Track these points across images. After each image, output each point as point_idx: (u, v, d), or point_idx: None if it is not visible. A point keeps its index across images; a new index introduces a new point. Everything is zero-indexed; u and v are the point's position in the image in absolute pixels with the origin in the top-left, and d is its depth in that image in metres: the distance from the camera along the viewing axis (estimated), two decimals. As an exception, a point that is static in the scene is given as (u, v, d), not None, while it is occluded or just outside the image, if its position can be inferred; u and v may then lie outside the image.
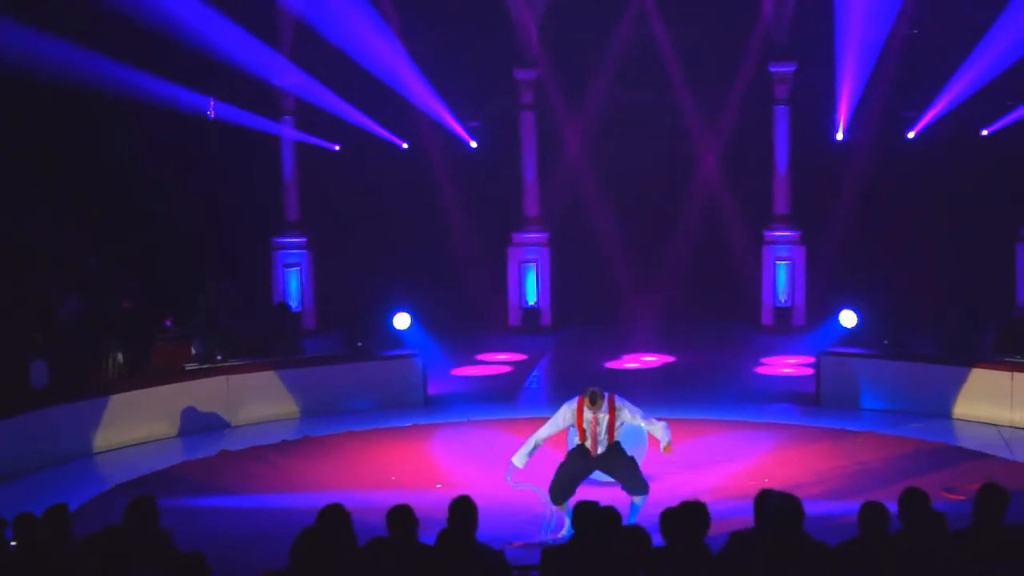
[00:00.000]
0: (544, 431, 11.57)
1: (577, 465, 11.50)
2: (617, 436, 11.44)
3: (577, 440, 11.51)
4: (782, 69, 23.21)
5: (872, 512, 7.21)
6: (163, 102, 20.80)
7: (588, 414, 11.31)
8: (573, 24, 23.64)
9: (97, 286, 18.88)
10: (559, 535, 11.04)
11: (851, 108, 22.45)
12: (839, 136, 22.83)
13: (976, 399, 16.24)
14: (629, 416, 11.43)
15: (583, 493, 10.62)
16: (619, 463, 11.47)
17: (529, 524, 11.66)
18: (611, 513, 7.24)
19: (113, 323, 17.38)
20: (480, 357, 21.62)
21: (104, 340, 16.62)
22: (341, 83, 22.60)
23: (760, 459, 14.28)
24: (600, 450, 11.40)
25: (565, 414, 11.46)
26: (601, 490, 11.97)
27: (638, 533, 7.09)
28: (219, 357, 17.63)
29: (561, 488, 11.42)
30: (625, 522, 10.41)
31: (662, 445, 11.54)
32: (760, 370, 20.09)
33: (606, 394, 11.33)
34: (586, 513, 7.30)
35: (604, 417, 11.30)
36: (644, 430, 11.96)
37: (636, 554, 7.04)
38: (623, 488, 11.50)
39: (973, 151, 22.07)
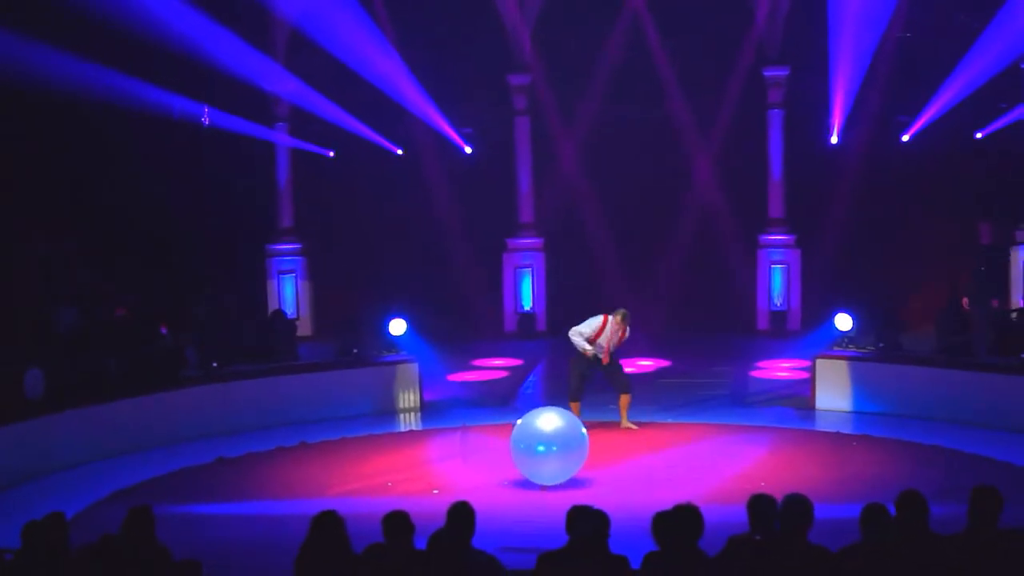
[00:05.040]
0: (580, 331, 15.61)
1: (583, 369, 15.68)
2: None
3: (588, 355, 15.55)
4: (776, 73, 23.28)
5: (875, 513, 7.22)
6: (157, 110, 20.80)
7: (609, 332, 15.56)
8: (567, 30, 23.68)
9: (92, 296, 18.84)
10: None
11: (845, 112, 22.51)
12: (833, 140, 22.89)
13: (971, 402, 16.26)
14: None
15: (575, 499, 10.62)
16: (613, 367, 15.77)
17: (525, 529, 11.66)
18: (603, 517, 7.26)
19: (107, 332, 17.32)
20: (476, 362, 21.65)
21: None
22: (336, 90, 22.62)
23: (756, 463, 14.27)
24: (607, 360, 15.59)
25: (593, 322, 15.61)
26: (591, 495, 12.04)
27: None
28: (215, 364, 17.63)
29: (576, 389, 15.71)
30: None
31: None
32: (755, 374, 20.12)
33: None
34: (580, 517, 7.31)
35: (618, 335, 15.61)
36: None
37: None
38: (615, 389, 15.90)
39: (967, 154, 22.11)
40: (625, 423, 16.02)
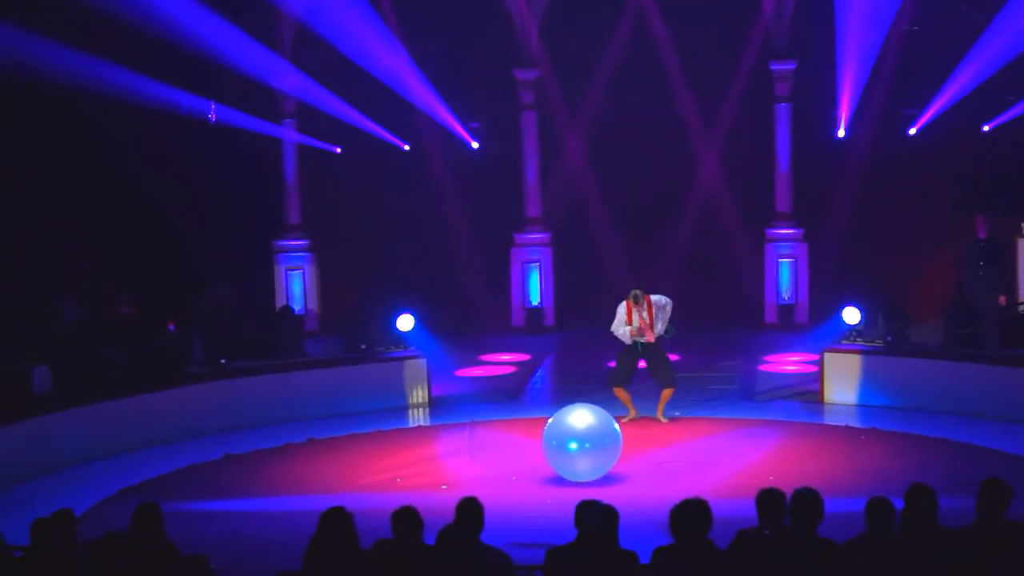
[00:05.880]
0: (616, 324, 16.06)
1: (628, 359, 16.06)
2: (657, 330, 15.96)
3: (628, 341, 15.97)
4: (783, 67, 23.19)
5: (879, 507, 7.20)
6: (164, 106, 20.77)
7: (634, 312, 15.86)
8: (573, 24, 23.63)
9: (96, 292, 18.83)
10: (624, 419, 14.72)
11: (852, 105, 22.42)
12: (840, 133, 22.80)
13: (980, 395, 16.24)
14: (661, 305, 16.03)
15: (584, 494, 10.62)
16: (658, 359, 16.07)
17: (534, 524, 11.66)
18: (612, 512, 7.25)
19: (113, 330, 17.31)
20: (484, 358, 21.61)
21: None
22: (342, 85, 22.58)
23: (764, 457, 14.27)
24: (646, 339, 15.88)
25: (620, 311, 16.00)
26: (600, 490, 12.04)
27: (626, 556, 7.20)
28: (222, 361, 17.64)
29: (619, 376, 16.12)
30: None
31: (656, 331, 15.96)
32: (763, 368, 20.09)
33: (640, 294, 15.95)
34: (588, 512, 7.30)
35: (644, 311, 15.85)
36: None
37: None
38: (656, 381, 16.13)
39: (975, 147, 22.04)
40: (659, 415, 16.15)
